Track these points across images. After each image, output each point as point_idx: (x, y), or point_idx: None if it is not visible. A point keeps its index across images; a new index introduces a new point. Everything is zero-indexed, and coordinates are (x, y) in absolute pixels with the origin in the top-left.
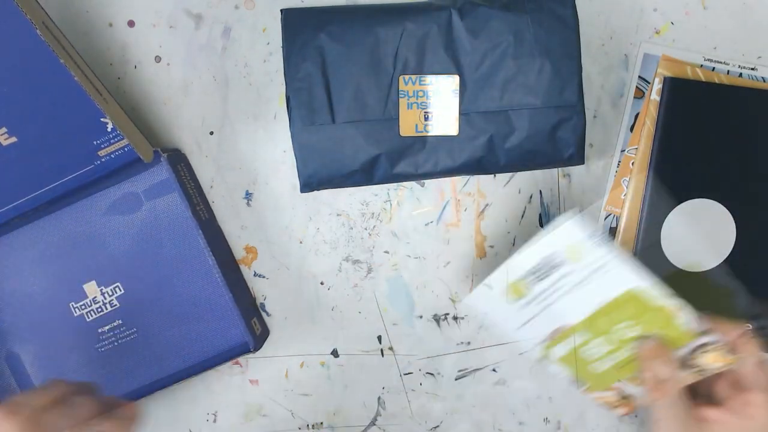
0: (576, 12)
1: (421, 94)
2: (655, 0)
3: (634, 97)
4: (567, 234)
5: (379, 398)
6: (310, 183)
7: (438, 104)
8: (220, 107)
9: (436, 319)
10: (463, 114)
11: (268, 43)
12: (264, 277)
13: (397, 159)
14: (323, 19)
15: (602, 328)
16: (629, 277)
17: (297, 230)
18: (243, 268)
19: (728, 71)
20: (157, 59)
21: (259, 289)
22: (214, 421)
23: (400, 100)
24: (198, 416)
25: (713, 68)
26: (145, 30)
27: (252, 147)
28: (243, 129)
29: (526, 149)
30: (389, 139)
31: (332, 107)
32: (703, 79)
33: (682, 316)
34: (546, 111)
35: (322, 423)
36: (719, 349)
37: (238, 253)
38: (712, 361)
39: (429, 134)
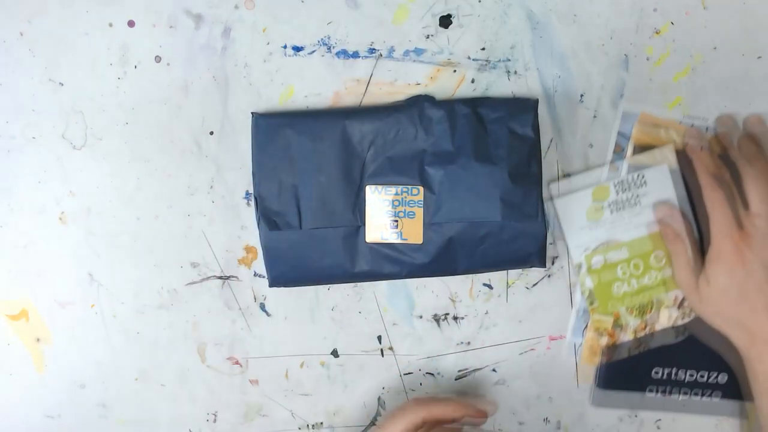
0: (537, 131)
1: (387, 203)
2: (655, 0)
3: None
4: (657, 157)
5: (379, 398)
6: (277, 282)
7: (403, 213)
8: (220, 107)
9: (436, 319)
10: (428, 223)
11: (268, 43)
12: (264, 277)
13: (363, 264)
14: (294, 126)
15: (642, 252)
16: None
17: None
18: (243, 268)
19: (707, 128)
20: (157, 59)
21: (259, 289)
22: (214, 421)
23: (367, 208)
24: (198, 416)
25: (692, 124)
26: (145, 30)
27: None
28: (243, 129)
29: (489, 256)
30: (355, 246)
31: (300, 214)
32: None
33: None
34: (507, 224)
35: (322, 423)
36: None
37: (238, 253)
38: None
39: (395, 242)
